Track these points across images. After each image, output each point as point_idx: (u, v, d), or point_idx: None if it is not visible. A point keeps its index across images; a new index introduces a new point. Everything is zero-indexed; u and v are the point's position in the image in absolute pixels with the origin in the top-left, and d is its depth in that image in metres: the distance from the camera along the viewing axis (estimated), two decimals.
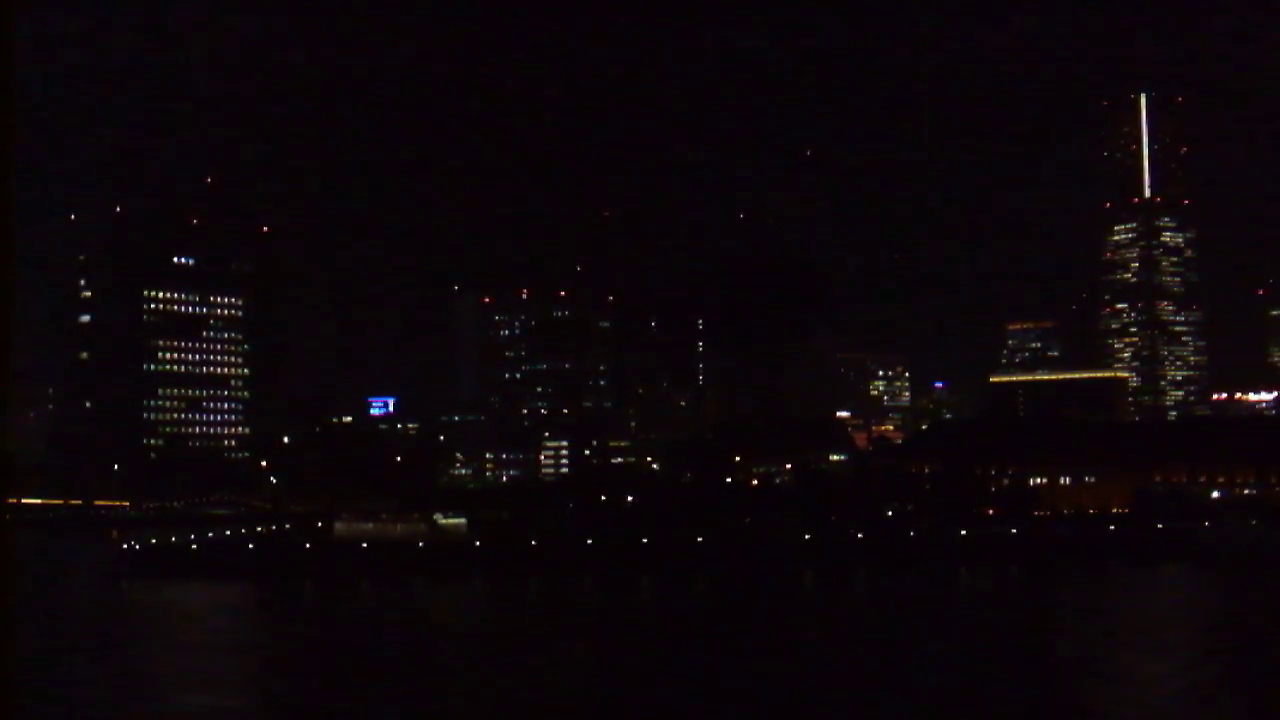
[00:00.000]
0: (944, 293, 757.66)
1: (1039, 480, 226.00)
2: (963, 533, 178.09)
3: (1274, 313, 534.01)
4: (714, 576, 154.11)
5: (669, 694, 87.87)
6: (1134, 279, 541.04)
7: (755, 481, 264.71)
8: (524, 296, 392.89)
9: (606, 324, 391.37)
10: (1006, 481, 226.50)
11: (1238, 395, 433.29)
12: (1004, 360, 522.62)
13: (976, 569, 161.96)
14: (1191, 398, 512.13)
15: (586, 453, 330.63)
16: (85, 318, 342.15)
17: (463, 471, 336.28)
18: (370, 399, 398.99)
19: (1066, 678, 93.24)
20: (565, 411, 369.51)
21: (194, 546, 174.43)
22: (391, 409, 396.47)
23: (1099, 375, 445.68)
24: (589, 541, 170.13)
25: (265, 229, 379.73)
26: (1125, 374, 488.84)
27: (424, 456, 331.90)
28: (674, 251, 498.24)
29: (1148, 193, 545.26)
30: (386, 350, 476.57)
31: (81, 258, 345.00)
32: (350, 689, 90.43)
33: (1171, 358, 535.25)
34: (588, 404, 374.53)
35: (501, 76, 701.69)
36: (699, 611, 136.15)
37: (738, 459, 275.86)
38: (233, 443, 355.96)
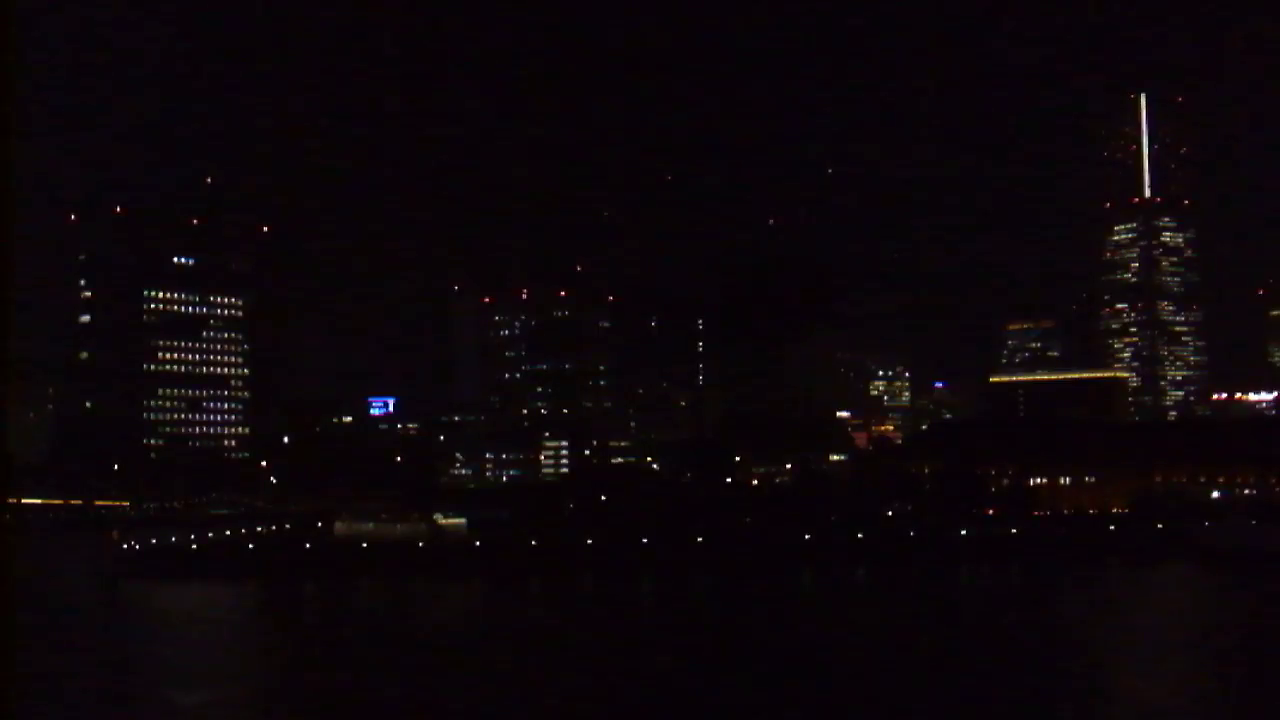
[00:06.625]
0: (944, 293, 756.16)
1: (1039, 480, 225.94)
2: (963, 532, 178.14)
3: (1274, 313, 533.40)
4: (714, 576, 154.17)
5: (669, 693, 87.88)
6: (1134, 279, 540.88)
7: (755, 481, 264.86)
8: (524, 296, 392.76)
9: (606, 324, 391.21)
10: (1006, 481, 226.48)
11: (1238, 395, 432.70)
12: (1004, 360, 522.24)
13: (976, 569, 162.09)
14: (1191, 398, 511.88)
15: (586, 453, 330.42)
16: (85, 318, 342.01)
17: (463, 471, 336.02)
18: (370, 399, 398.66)
19: (1064, 677, 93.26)
20: (565, 411, 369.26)
21: (194, 546, 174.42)
22: (391, 409, 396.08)
23: (1099, 375, 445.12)
24: (589, 541, 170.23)
25: (265, 229, 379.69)
26: (1125, 374, 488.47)
27: (424, 456, 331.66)
28: (674, 251, 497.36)
29: (1148, 193, 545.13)
30: (386, 350, 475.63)
31: (81, 258, 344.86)
32: (349, 688, 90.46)
33: (1171, 358, 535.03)
34: (588, 404, 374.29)
35: (503, 75, 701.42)
36: (699, 611, 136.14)
37: (738, 459, 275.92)
38: (233, 443, 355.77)
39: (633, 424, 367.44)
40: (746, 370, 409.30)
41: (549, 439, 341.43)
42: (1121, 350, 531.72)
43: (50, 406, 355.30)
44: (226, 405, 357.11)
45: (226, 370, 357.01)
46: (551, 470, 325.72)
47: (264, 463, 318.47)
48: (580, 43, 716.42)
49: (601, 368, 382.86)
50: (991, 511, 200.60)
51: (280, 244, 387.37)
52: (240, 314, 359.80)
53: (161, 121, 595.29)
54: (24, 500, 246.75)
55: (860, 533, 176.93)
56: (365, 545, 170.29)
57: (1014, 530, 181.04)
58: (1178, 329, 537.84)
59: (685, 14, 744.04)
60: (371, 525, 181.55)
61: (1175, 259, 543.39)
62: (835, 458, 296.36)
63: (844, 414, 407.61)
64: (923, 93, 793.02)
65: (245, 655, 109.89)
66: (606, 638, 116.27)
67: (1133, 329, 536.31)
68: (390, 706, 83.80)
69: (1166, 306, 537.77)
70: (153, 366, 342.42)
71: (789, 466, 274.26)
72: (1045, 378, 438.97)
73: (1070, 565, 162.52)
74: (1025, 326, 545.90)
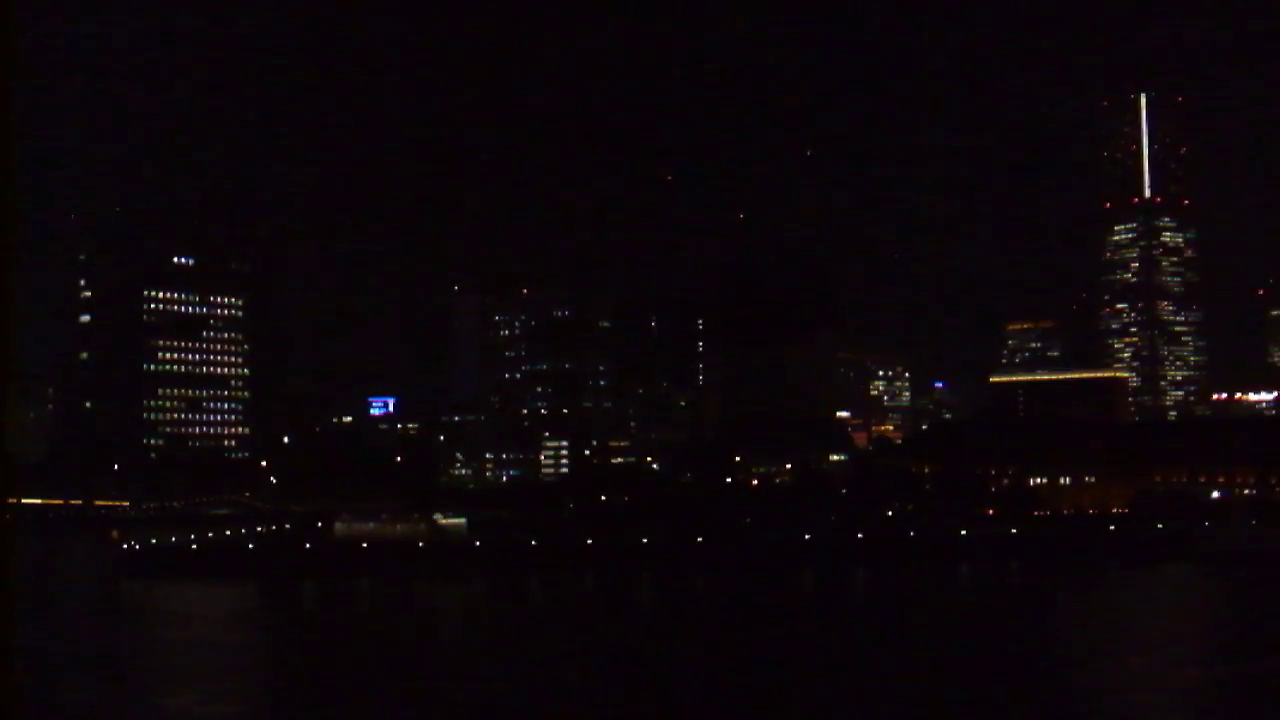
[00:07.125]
0: (944, 293, 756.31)
1: (1039, 480, 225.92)
2: (963, 532, 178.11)
3: (1274, 313, 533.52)
4: (714, 576, 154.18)
5: (668, 694, 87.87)
6: (1134, 279, 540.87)
7: (755, 481, 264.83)
8: (524, 296, 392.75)
9: (606, 324, 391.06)
10: (1006, 481, 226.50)
11: (1238, 395, 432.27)
12: (1004, 360, 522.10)
13: (977, 569, 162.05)
14: (1191, 398, 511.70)
15: (586, 453, 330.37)
16: (85, 318, 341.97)
17: (463, 471, 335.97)
18: (370, 399, 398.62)
19: (1063, 677, 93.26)
20: (565, 411, 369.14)
21: (194, 546, 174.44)
22: (391, 409, 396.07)
23: (1099, 375, 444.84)
24: (589, 541, 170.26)
25: (265, 229, 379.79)
26: (1125, 374, 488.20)
27: (424, 456, 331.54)
28: (674, 251, 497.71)
29: (1148, 193, 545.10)
30: (386, 350, 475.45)
31: (81, 258, 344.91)
32: (349, 688, 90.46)
33: (1171, 358, 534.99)
34: (588, 404, 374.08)
35: (502, 77, 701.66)
36: (699, 611, 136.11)
37: (738, 459, 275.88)
38: (233, 443, 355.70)
39: (633, 424, 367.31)
40: (746, 370, 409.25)
41: (549, 439, 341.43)
42: (1121, 350, 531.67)
43: (50, 406, 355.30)
44: (226, 405, 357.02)
45: (226, 370, 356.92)
46: (551, 470, 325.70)
47: (264, 463, 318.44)
48: (581, 43, 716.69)
49: (601, 368, 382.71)
50: (991, 511, 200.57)
51: (280, 244, 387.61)
52: (240, 314, 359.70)
53: (163, 122, 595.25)
54: (24, 500, 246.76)
55: (860, 533, 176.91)
56: (365, 545, 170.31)
57: (1014, 530, 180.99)
58: (1178, 329, 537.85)
59: (688, 14, 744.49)
60: (371, 525, 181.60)
61: (1175, 259, 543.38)
62: (835, 458, 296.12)
63: (844, 414, 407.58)
64: (923, 93, 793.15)
65: (243, 655, 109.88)
66: (606, 638, 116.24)
67: (1133, 329, 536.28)
68: (388, 707, 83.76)
69: (1166, 306, 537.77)
70: (153, 366, 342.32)
71: (789, 466, 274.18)
72: (1045, 378, 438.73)
73: (1070, 565, 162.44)
74: (1025, 326, 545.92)
